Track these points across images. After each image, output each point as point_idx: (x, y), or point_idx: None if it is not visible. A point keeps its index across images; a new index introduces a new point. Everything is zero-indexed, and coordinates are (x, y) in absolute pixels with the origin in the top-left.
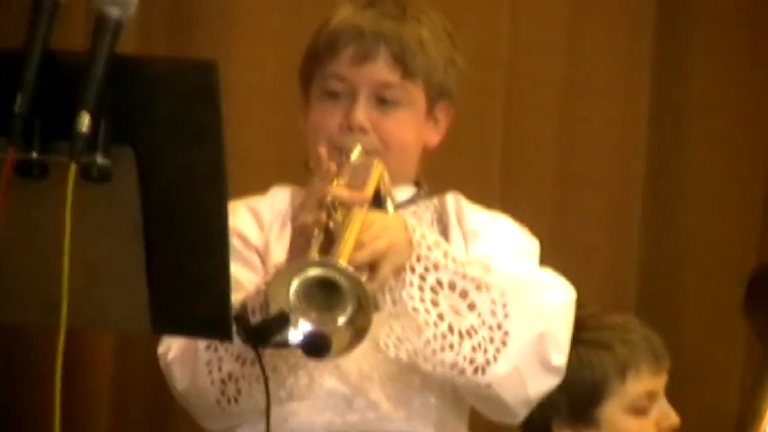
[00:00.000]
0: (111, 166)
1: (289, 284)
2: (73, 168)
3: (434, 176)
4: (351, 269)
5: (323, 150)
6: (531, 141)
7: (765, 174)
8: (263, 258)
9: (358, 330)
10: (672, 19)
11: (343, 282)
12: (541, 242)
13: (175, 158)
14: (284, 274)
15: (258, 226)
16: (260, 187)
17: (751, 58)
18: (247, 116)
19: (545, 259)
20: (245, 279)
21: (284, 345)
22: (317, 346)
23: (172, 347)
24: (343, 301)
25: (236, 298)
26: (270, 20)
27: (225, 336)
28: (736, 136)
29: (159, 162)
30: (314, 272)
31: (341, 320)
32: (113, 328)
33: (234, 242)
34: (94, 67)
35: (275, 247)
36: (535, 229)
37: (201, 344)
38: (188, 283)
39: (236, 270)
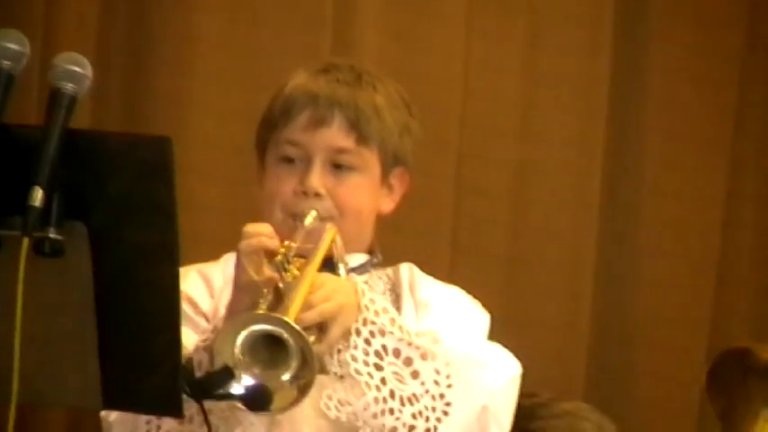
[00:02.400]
0: (64, 241)
1: (234, 339)
2: (25, 243)
3: (383, 255)
4: (295, 326)
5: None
6: (482, 222)
7: (717, 253)
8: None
9: (301, 387)
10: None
11: (287, 338)
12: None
13: (128, 235)
14: (230, 328)
15: (209, 292)
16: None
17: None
18: (200, 192)
19: (494, 337)
20: (190, 343)
21: (227, 397)
22: (258, 400)
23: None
24: (287, 357)
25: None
26: (223, 98)
27: (176, 412)
28: (690, 220)
29: (112, 238)
30: (259, 327)
31: (285, 377)
32: (65, 404)
33: (184, 307)
34: (48, 142)
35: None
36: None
37: None
38: (139, 358)
39: (184, 334)
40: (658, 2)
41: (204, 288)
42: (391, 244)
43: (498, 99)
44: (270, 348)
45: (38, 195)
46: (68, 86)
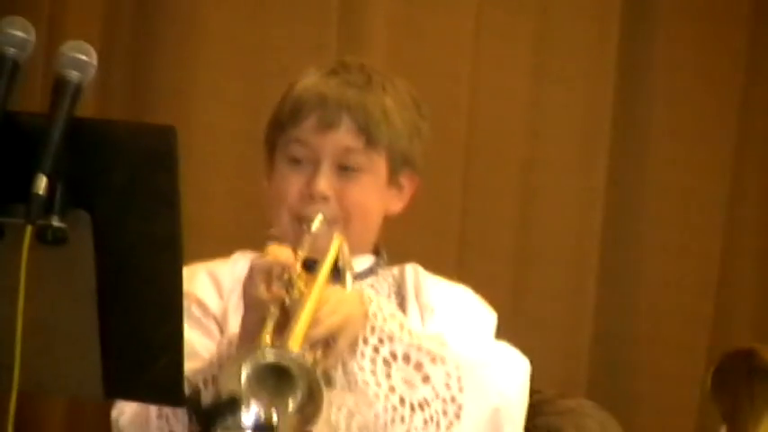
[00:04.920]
0: (67, 230)
1: (240, 368)
2: (28, 230)
3: (391, 253)
4: (302, 358)
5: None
6: (489, 219)
7: (719, 253)
8: (221, 326)
9: (307, 417)
10: (633, 69)
11: (294, 369)
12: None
13: (132, 224)
14: (237, 358)
15: (218, 293)
16: (216, 255)
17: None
18: (205, 183)
19: (499, 335)
20: (201, 347)
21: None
22: None
23: (124, 412)
24: (294, 387)
25: (192, 366)
26: (228, 88)
27: (177, 402)
28: (693, 219)
29: (115, 227)
30: (266, 358)
31: (291, 405)
32: (66, 392)
33: (192, 309)
34: (53, 130)
35: (233, 316)
36: (490, 305)
37: (153, 411)
38: (141, 348)
39: (193, 337)
40: None
41: (213, 289)
42: (399, 241)
43: (506, 95)
44: (277, 376)
45: (42, 183)
46: (73, 74)
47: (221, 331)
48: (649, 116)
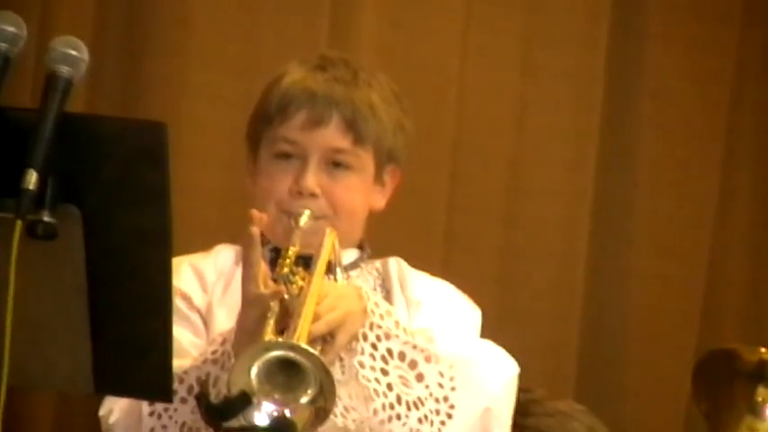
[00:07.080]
0: (57, 225)
1: (250, 365)
2: (18, 225)
3: (377, 246)
4: (314, 351)
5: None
6: (476, 213)
7: (708, 250)
8: (206, 320)
9: (320, 410)
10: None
11: (305, 363)
12: (483, 313)
13: (121, 219)
14: (246, 354)
15: (201, 286)
16: (203, 250)
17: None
18: (193, 178)
19: (486, 330)
20: (187, 342)
21: (250, 428)
22: (283, 429)
23: (113, 411)
24: (305, 381)
25: (179, 363)
26: (219, 84)
27: (165, 397)
28: (682, 214)
29: (105, 222)
30: (276, 353)
31: (304, 400)
32: (55, 387)
33: (177, 302)
34: (43, 126)
35: (218, 309)
36: (477, 301)
37: (145, 410)
38: (130, 343)
39: (179, 333)
40: None
41: (197, 282)
42: (385, 235)
43: (494, 90)
44: (286, 372)
45: (32, 178)
46: (64, 70)
47: (206, 325)
48: (639, 111)
